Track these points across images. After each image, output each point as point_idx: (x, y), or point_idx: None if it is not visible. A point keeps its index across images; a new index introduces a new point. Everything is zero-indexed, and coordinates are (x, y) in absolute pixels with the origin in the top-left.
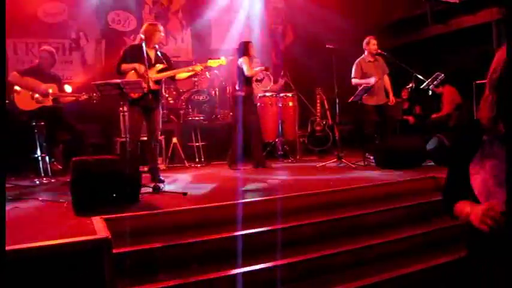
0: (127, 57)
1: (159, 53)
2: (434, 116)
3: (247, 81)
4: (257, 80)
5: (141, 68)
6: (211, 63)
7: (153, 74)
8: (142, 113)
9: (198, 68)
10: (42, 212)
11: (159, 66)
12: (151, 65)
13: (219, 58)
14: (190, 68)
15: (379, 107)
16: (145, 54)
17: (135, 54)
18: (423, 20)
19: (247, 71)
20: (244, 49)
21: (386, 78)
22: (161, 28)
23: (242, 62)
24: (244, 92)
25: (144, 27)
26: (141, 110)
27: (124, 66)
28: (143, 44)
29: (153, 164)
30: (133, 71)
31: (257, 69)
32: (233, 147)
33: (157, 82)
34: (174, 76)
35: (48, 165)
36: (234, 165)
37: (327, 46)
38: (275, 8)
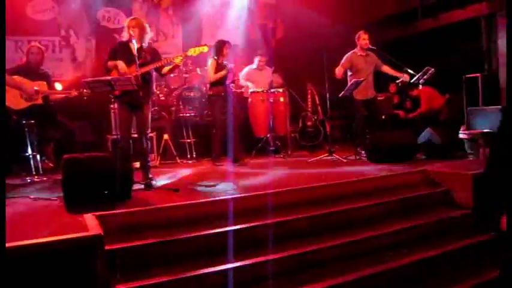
0: (115, 54)
1: (144, 45)
2: (410, 115)
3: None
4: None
5: (121, 64)
6: (192, 51)
7: (133, 71)
8: (130, 109)
9: (178, 59)
10: (34, 210)
11: (141, 61)
12: (132, 61)
13: (202, 46)
14: (168, 60)
15: (367, 102)
16: (134, 51)
17: (119, 51)
18: (414, 14)
19: (209, 76)
20: (217, 49)
21: (386, 68)
22: (146, 24)
23: (209, 64)
24: (212, 91)
25: (127, 22)
26: (129, 107)
27: (109, 63)
28: (134, 41)
29: (144, 161)
30: (114, 69)
31: (222, 72)
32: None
33: (143, 78)
34: (160, 71)
35: (39, 164)
36: (217, 160)
37: None
38: (266, 4)
